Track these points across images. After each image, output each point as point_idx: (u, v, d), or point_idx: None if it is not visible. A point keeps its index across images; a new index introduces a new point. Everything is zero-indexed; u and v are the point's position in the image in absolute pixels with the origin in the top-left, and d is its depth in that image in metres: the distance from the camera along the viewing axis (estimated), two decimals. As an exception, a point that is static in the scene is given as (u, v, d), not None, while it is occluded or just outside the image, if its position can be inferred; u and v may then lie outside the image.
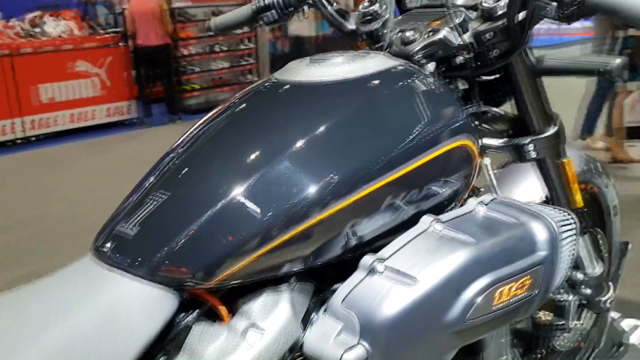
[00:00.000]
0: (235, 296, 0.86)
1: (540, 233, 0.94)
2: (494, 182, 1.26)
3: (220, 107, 0.99)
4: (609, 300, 1.56)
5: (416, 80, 0.98)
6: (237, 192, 0.82)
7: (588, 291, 1.52)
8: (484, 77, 1.25)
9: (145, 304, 0.77)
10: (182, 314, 0.85)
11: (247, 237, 0.80)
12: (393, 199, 0.89)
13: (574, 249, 1.01)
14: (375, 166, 0.87)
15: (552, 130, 1.22)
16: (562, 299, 1.49)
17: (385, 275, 0.85)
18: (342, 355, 0.81)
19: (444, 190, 0.96)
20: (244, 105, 0.97)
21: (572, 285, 1.52)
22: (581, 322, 1.72)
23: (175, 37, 7.24)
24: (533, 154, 1.23)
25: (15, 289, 0.79)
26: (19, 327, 0.71)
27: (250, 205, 0.81)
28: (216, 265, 0.79)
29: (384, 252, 0.88)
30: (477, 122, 1.23)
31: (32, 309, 0.74)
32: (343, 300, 0.84)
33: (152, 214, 0.83)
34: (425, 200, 0.94)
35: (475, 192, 1.17)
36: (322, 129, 0.88)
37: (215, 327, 0.83)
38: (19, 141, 6.18)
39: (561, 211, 1.04)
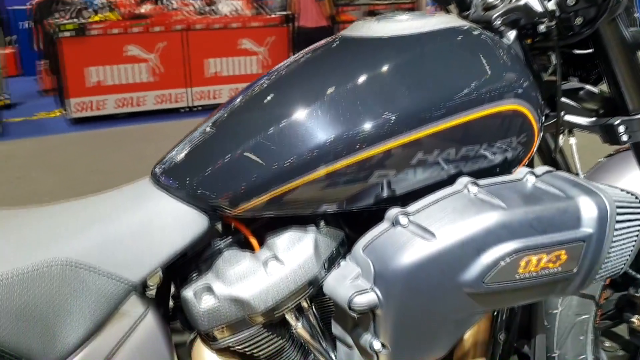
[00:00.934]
0: (267, 230, 0.93)
1: (588, 209, 0.88)
2: (577, 162, 1.19)
3: (288, 59, 1.05)
4: None
5: (475, 40, 0.96)
6: (270, 129, 0.87)
7: None
8: (577, 51, 1.18)
9: (178, 221, 0.86)
10: (218, 240, 0.93)
11: (275, 171, 0.85)
12: (429, 154, 0.89)
13: (631, 236, 0.94)
14: (413, 117, 0.88)
15: None
16: None
17: (408, 229, 0.86)
18: (352, 297, 0.84)
19: (490, 155, 0.94)
20: (308, 55, 1.02)
21: None
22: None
23: (335, 20, 7.44)
24: (625, 137, 1.14)
25: (84, 197, 0.92)
26: (74, 220, 0.84)
27: (280, 141, 0.86)
28: (242, 194, 0.86)
29: (413, 207, 0.89)
30: (567, 99, 1.17)
31: (89, 210, 0.87)
32: (365, 247, 0.87)
33: (198, 145, 0.91)
34: (466, 162, 0.92)
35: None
36: (366, 77, 0.90)
37: (243, 254, 0.90)
38: (187, 109, 6.76)
39: (631, 195, 0.96)
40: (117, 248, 0.81)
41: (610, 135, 1.15)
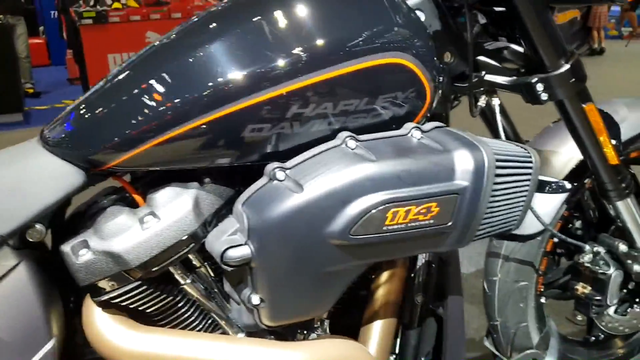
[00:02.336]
0: (151, 187, 0.94)
1: (463, 162, 0.87)
2: (499, 124, 1.17)
3: None
4: None
5: None
6: (144, 81, 0.87)
7: (638, 268, 1.33)
8: (497, 9, 1.15)
9: (52, 176, 0.88)
10: (103, 197, 0.95)
11: (149, 123, 0.86)
12: (305, 107, 0.88)
13: (520, 192, 0.92)
14: (286, 69, 0.86)
15: (564, 68, 1.09)
16: (600, 271, 1.34)
17: (284, 183, 0.86)
18: (225, 251, 0.85)
19: (374, 110, 0.93)
20: (198, 14, 1.01)
21: (616, 258, 1.35)
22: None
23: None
24: (544, 95, 1.11)
25: None
26: None
27: (153, 93, 0.86)
28: (116, 147, 0.87)
29: (291, 161, 0.89)
30: (487, 58, 1.15)
31: None
32: (244, 202, 0.88)
33: (81, 102, 0.93)
34: (347, 117, 0.91)
35: None
36: (240, 27, 0.89)
37: (122, 210, 0.91)
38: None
39: (523, 149, 0.94)
40: None
41: (530, 95, 1.12)
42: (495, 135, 1.19)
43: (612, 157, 1.19)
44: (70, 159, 0.89)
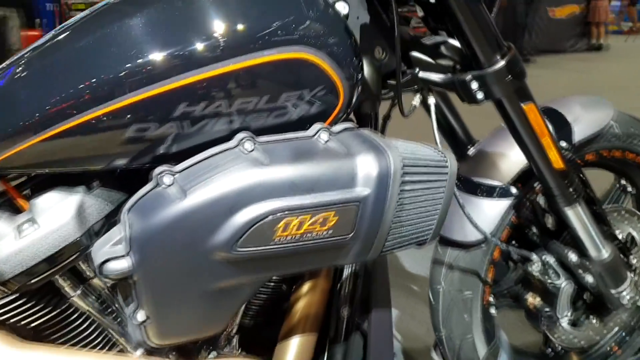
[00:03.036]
0: (38, 190, 0.87)
1: (366, 168, 0.79)
2: (435, 125, 1.09)
3: None
4: (626, 295, 1.27)
5: None
6: (22, 75, 0.80)
7: (590, 279, 1.25)
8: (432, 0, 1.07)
9: None
10: None
11: (22, 120, 0.78)
12: (194, 105, 0.80)
13: (434, 200, 0.84)
14: (170, 64, 0.78)
15: (499, 64, 1.00)
16: (550, 282, 1.26)
17: (170, 189, 0.79)
18: (103, 262, 0.78)
19: (277, 109, 0.85)
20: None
21: (566, 268, 1.27)
22: (611, 320, 1.42)
23: None
24: (480, 94, 1.03)
25: None
26: None
27: (33, 88, 0.79)
28: None
29: (181, 165, 0.81)
30: (421, 54, 1.07)
31: None
32: (129, 209, 0.80)
33: None
34: (246, 116, 0.83)
35: None
36: (122, 20, 0.81)
37: (2, 216, 0.84)
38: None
39: (439, 153, 0.87)
40: None
41: (465, 93, 1.05)
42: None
43: (557, 161, 1.11)
44: None
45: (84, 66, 0.79)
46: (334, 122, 0.90)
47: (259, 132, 0.85)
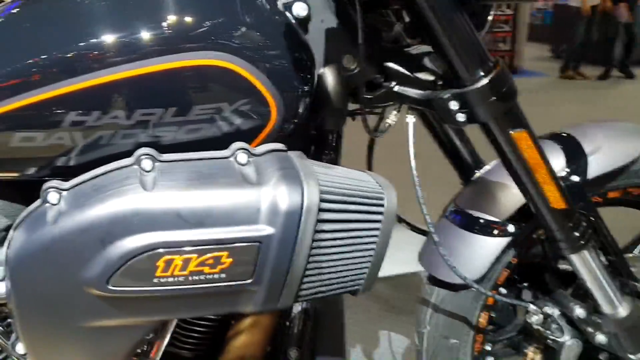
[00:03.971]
0: None
1: (273, 202, 0.66)
2: (411, 146, 0.94)
3: None
4: None
5: None
6: None
7: (602, 339, 1.06)
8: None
9: None
10: None
11: None
12: (86, 115, 0.69)
13: (364, 243, 0.70)
14: (59, 66, 0.68)
15: (482, 82, 0.84)
16: (552, 337, 1.08)
17: (54, 208, 0.69)
18: None
19: (188, 124, 0.73)
20: None
21: (572, 323, 1.08)
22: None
23: None
24: (461, 116, 0.86)
25: None
26: None
27: None
28: None
29: (72, 181, 0.71)
30: (398, 66, 0.92)
31: None
32: (16, 227, 0.71)
33: None
34: (150, 130, 0.72)
35: None
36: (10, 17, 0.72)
37: None
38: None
39: (375, 184, 0.72)
40: None
41: (444, 114, 0.88)
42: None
43: (557, 199, 0.93)
44: None
45: None
46: (269, 142, 0.77)
47: (171, 149, 0.73)
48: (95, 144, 0.72)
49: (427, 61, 0.92)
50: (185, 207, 0.65)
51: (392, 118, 0.96)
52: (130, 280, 0.65)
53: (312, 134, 0.93)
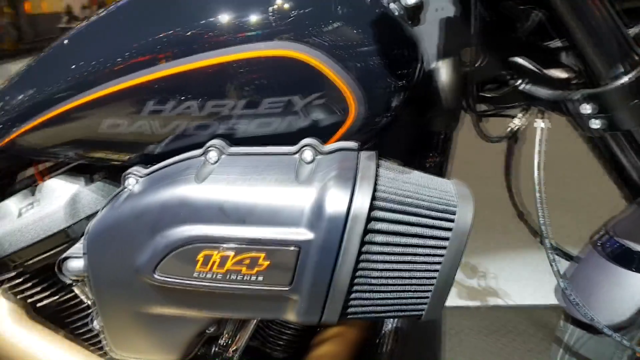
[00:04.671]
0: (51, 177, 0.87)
1: (317, 206, 0.60)
2: (537, 157, 0.81)
3: None
4: None
5: None
6: (29, 66, 0.81)
7: None
8: None
9: None
10: (22, 182, 0.91)
11: (15, 108, 0.79)
12: (163, 104, 0.70)
13: (426, 263, 0.61)
14: (139, 56, 0.69)
15: (623, 79, 0.68)
16: None
17: (133, 191, 0.71)
18: (62, 260, 0.75)
19: (259, 117, 0.70)
20: None
21: None
22: None
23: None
24: (595, 123, 0.72)
25: None
26: None
27: (27, 79, 0.79)
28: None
29: (151, 168, 0.73)
30: (526, 61, 0.80)
31: None
32: (103, 207, 0.76)
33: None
34: (223, 122, 0.71)
35: None
36: (103, 14, 0.75)
37: (16, 196, 0.86)
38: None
39: (449, 197, 0.62)
40: None
41: (576, 119, 0.74)
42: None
43: None
44: None
45: (65, 57, 0.75)
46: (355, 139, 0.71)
47: (245, 143, 0.71)
48: (172, 134, 0.72)
49: (564, 56, 0.78)
50: (229, 201, 0.62)
51: (517, 121, 0.83)
52: (173, 271, 0.64)
53: (420, 134, 0.84)
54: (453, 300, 2.17)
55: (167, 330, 0.72)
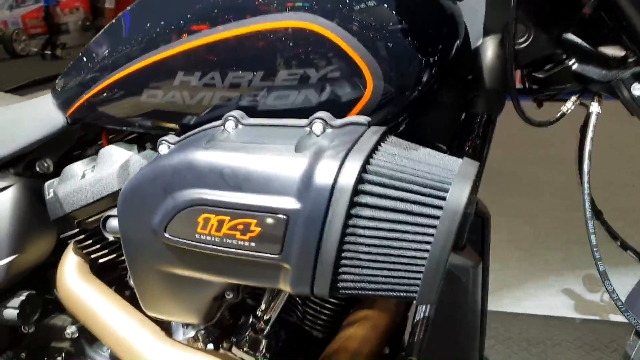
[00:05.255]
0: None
1: (307, 175, 0.60)
2: (588, 145, 0.75)
3: None
4: None
5: None
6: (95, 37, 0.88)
7: None
8: None
9: (39, 117, 0.97)
10: (95, 147, 1.00)
11: (77, 77, 0.86)
12: (191, 74, 0.74)
13: (414, 241, 0.58)
14: (167, 29, 0.74)
15: None
16: None
17: (163, 157, 0.76)
18: (105, 219, 0.82)
19: (275, 90, 0.71)
20: None
21: None
22: None
23: None
24: None
25: None
26: None
27: (89, 52, 0.86)
28: (69, 96, 0.89)
29: (182, 136, 0.77)
30: (576, 37, 0.74)
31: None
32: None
33: None
34: (242, 94, 0.72)
35: None
36: None
37: (83, 160, 0.94)
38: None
39: (443, 177, 0.60)
40: None
41: (626, 101, 0.67)
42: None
43: None
44: (55, 104, 0.96)
45: (111, 32, 0.82)
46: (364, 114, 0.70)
47: (264, 115, 0.73)
48: (200, 105, 0.75)
49: (617, 34, 0.70)
50: (228, 168, 0.63)
51: (568, 105, 0.76)
52: (178, 232, 0.66)
53: (462, 116, 0.80)
54: (554, 309, 2.03)
55: (185, 291, 0.76)
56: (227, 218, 0.63)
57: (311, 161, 0.60)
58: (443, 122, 0.83)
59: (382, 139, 0.64)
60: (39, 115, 0.98)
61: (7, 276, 0.98)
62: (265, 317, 0.87)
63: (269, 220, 0.61)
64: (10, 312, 0.98)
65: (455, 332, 0.82)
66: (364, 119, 0.67)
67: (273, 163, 0.62)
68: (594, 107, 0.74)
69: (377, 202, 0.58)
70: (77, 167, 0.92)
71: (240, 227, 0.62)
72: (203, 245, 0.65)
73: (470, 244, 0.99)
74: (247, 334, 0.88)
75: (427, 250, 0.58)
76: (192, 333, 0.92)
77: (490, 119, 0.78)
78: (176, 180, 0.67)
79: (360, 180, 0.58)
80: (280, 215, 0.60)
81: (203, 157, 0.66)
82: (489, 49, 0.76)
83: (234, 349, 0.88)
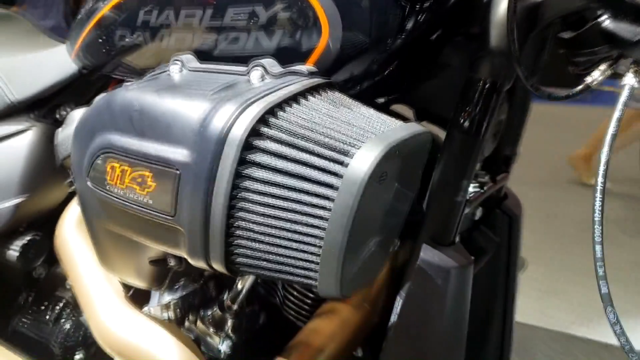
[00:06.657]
0: None
1: (202, 125, 0.50)
2: (612, 125, 0.58)
3: None
4: None
5: None
6: None
7: None
8: None
9: (57, 62, 0.96)
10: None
11: (77, 23, 0.83)
12: (149, 14, 0.68)
13: (312, 217, 0.47)
14: None
15: None
16: None
17: (97, 99, 0.70)
18: None
19: (225, 32, 0.62)
20: None
21: None
22: None
23: None
24: None
25: None
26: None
27: None
28: (70, 42, 0.87)
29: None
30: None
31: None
32: None
33: None
34: (195, 35, 0.65)
35: None
36: None
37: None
38: None
39: (355, 138, 0.48)
40: (13, 72, 0.99)
41: None
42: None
43: None
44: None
45: None
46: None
47: (216, 58, 0.64)
48: (160, 47, 0.69)
49: None
50: (137, 111, 0.55)
51: (595, 75, 0.59)
52: (96, 179, 0.60)
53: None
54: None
55: (121, 250, 0.69)
56: (129, 168, 0.55)
57: (211, 109, 0.50)
58: (451, 89, 0.68)
59: (311, 91, 0.52)
60: (58, 62, 0.97)
61: (14, 216, 0.98)
62: (232, 296, 0.79)
63: (162, 174, 0.52)
64: (11, 254, 0.99)
65: (422, 342, 0.67)
66: (305, 68, 0.56)
67: (178, 109, 0.53)
68: (628, 79, 0.56)
69: (271, 162, 0.47)
70: (76, 114, 0.90)
71: (139, 179, 0.54)
72: (113, 198, 0.58)
73: (494, 245, 0.83)
74: (214, 310, 0.80)
75: (323, 228, 0.45)
76: (166, 299, 0.86)
77: (495, 86, 0.62)
78: (97, 122, 0.60)
79: (256, 133, 0.47)
80: (173, 169, 0.51)
81: (120, 98, 0.58)
82: (500, 5, 0.61)
83: (199, 323, 0.81)
